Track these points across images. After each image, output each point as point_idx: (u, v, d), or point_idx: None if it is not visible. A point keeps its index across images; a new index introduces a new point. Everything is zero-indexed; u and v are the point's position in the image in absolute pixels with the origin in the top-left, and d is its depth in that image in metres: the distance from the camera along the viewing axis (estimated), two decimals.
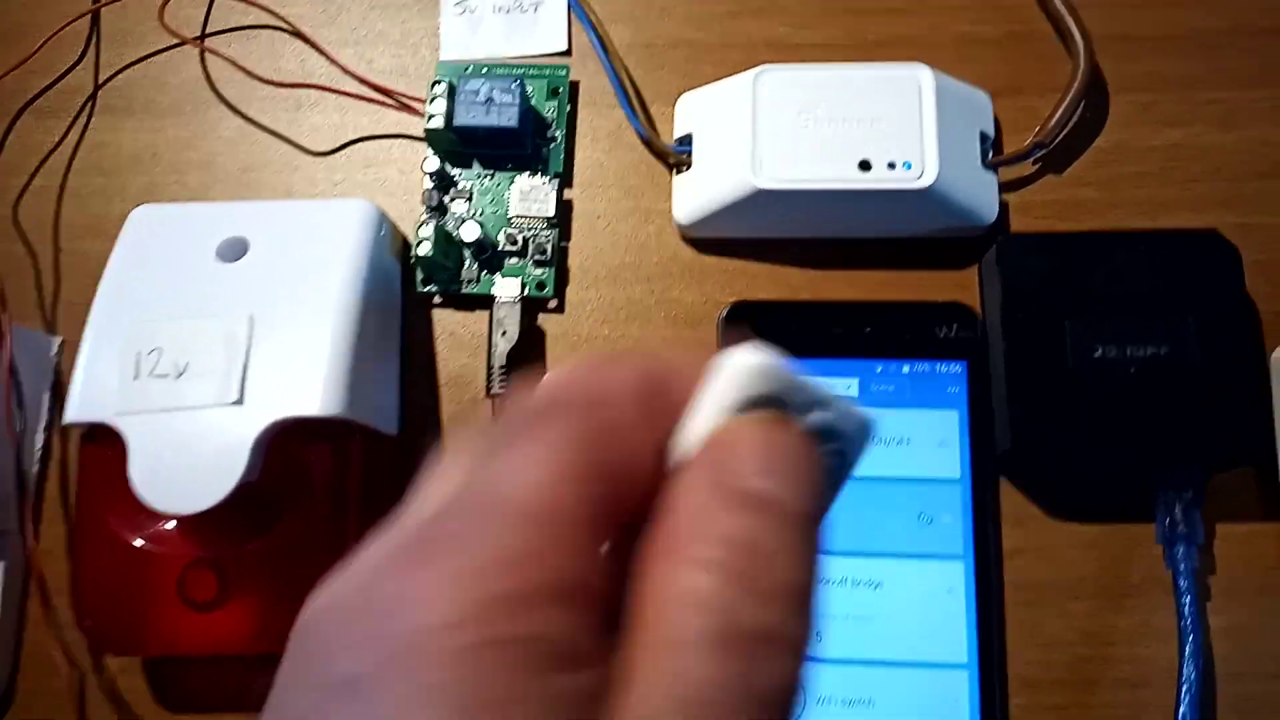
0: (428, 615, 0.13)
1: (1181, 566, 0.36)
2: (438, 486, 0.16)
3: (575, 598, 0.13)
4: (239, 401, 0.34)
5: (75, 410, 0.35)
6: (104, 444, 0.35)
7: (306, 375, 0.35)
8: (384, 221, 0.40)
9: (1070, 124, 0.41)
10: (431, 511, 0.15)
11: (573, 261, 0.42)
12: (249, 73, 0.44)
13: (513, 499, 0.14)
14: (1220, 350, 0.36)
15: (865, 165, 0.38)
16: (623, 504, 0.14)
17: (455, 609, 0.13)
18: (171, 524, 0.36)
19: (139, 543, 0.36)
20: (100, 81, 0.46)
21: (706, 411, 0.16)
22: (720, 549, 0.13)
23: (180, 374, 0.35)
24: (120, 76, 0.46)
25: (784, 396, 0.16)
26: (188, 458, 0.34)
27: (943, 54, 0.43)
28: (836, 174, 0.38)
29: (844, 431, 0.17)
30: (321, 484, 0.36)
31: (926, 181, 0.38)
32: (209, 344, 0.35)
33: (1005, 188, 0.41)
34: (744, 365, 0.16)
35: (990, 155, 0.41)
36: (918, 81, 0.39)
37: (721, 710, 0.12)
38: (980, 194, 0.40)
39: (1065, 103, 0.41)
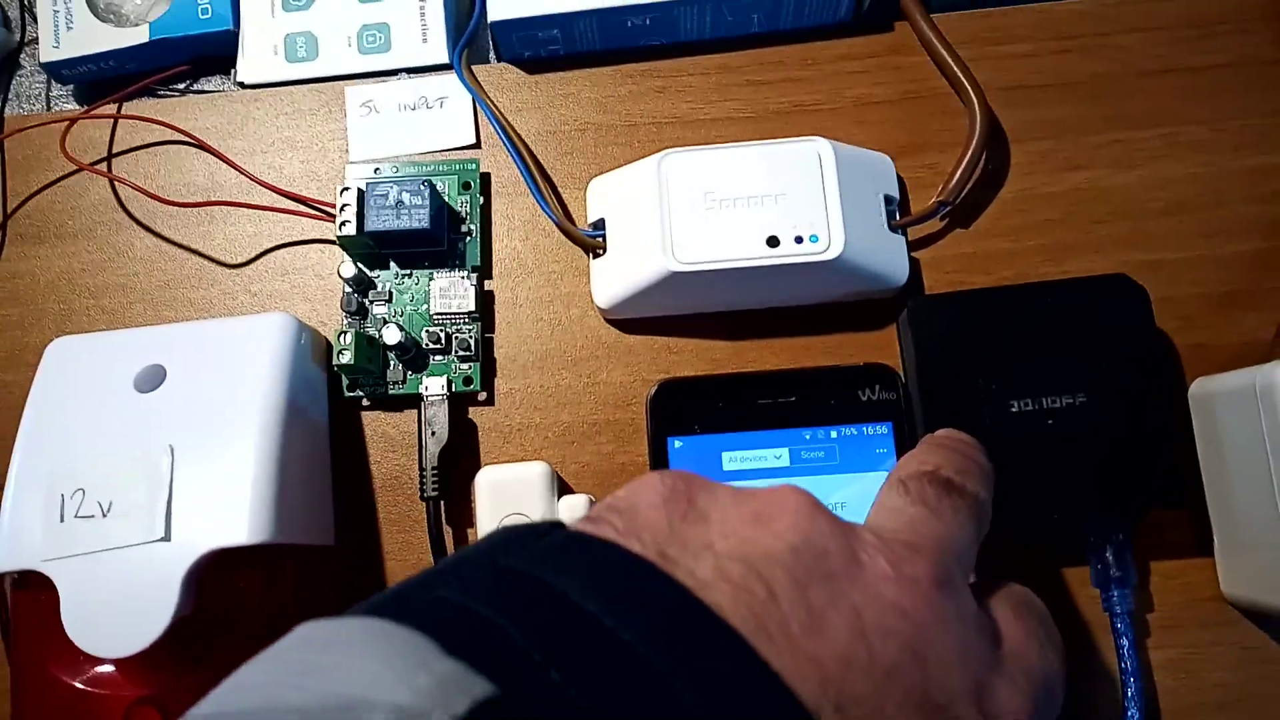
0: None
1: (1117, 609, 0.37)
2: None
3: None
4: (165, 538, 0.34)
5: (3, 559, 0.35)
6: (36, 588, 0.34)
7: (231, 503, 0.35)
8: (303, 331, 0.40)
9: (973, 178, 0.42)
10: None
11: (499, 352, 0.43)
12: (154, 196, 0.44)
13: None
14: (1136, 392, 0.37)
15: (773, 241, 0.39)
16: None
17: None
18: (111, 665, 0.35)
19: (80, 685, 0.35)
20: (9, 211, 0.46)
21: None
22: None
23: (105, 513, 0.35)
24: (29, 204, 0.46)
25: None
26: (119, 599, 0.34)
27: (843, 119, 0.43)
28: (746, 252, 0.39)
29: None
30: (256, 610, 0.36)
31: (834, 253, 0.38)
32: (130, 480, 0.35)
33: (915, 245, 0.42)
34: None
35: (896, 217, 0.41)
36: (817, 154, 0.40)
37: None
38: (889, 257, 0.40)
39: (966, 158, 0.41)
